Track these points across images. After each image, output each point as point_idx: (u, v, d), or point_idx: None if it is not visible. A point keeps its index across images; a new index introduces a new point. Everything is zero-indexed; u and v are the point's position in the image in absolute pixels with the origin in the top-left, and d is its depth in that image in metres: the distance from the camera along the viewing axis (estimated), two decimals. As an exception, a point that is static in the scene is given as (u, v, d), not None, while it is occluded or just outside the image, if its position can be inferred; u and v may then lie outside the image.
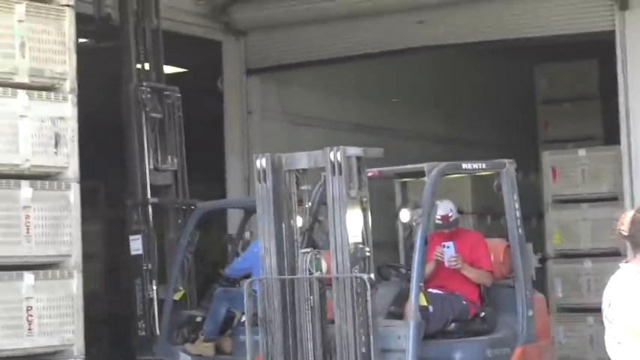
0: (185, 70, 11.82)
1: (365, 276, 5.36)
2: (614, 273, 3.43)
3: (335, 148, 5.72)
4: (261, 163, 5.88)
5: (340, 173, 5.55)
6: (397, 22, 10.13)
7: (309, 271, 5.64)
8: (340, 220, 5.53)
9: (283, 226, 5.83)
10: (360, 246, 5.52)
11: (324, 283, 5.73)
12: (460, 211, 7.17)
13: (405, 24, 10.16)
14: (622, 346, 3.38)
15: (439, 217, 6.23)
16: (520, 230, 6.36)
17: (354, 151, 5.65)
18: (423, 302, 5.67)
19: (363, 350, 5.41)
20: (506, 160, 6.41)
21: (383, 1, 10.04)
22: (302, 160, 5.93)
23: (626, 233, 3.50)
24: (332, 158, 5.63)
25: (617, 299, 3.36)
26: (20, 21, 5.89)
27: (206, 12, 10.64)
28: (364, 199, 5.62)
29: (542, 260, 9.78)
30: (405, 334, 5.63)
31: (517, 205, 6.38)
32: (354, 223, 5.54)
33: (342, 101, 12.18)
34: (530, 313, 6.26)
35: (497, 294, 6.43)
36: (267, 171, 5.85)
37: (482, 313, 6.29)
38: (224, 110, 11.19)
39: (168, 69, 9.62)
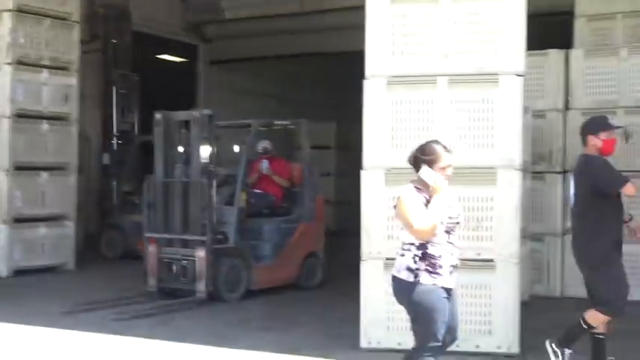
0: (178, 58, 19.38)
1: (205, 181, 9.83)
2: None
3: (197, 110, 10.24)
4: (157, 117, 10.30)
5: (197, 124, 10.02)
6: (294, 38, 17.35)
7: (180, 178, 10.13)
8: (197, 149, 9.96)
9: (168, 152, 10.30)
10: (208, 164, 9.94)
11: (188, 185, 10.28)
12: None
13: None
14: (403, 230, 5.17)
15: (261, 149, 10.86)
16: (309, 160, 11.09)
17: (206, 111, 10.10)
18: (243, 197, 10.24)
19: (206, 222, 9.95)
20: (302, 119, 11.10)
21: (279, 24, 17.16)
22: (181, 115, 10.39)
23: (410, 163, 5.22)
24: (195, 115, 10.10)
25: (397, 203, 5.12)
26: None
27: (189, 28, 18.96)
28: (212, 138, 10.06)
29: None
30: (232, 213, 10.21)
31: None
32: (204, 152, 9.97)
33: (265, 82, 20.27)
34: (312, 205, 10.93)
35: (295, 194, 11.08)
36: (161, 121, 10.27)
37: (285, 204, 10.95)
38: (197, 85, 19.46)
39: (169, 57, 19.05)
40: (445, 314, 5.15)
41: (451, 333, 5.31)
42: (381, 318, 7.31)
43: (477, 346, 7.09)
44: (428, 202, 5.10)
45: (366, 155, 7.25)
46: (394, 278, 5.25)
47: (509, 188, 6.93)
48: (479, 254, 7.01)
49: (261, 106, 18.26)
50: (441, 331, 5.16)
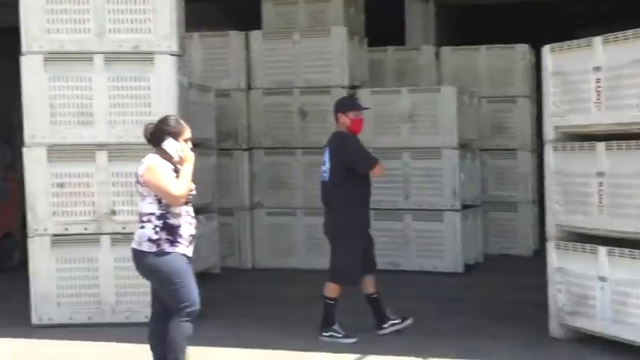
0: None
1: None
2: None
3: None
4: None
5: None
6: None
7: None
8: None
9: None
10: None
11: None
12: None
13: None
14: (145, 198, 5.27)
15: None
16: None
17: None
18: None
19: None
20: None
21: None
22: None
23: (149, 137, 5.39)
24: None
25: (147, 172, 5.22)
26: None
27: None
28: None
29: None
30: None
31: None
32: None
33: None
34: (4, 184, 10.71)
35: None
36: None
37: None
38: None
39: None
40: (191, 278, 5.29)
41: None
42: (51, 294, 7.38)
43: (146, 317, 7.24)
44: (175, 171, 5.30)
45: (27, 132, 7.26)
46: (134, 251, 5.34)
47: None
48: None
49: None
50: (192, 294, 5.29)
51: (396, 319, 6.92)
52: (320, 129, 10.29)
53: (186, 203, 5.33)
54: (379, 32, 12.27)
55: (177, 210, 5.28)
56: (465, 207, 10.21)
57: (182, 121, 5.48)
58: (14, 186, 10.75)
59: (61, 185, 7.21)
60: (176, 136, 5.36)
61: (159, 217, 5.27)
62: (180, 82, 7.48)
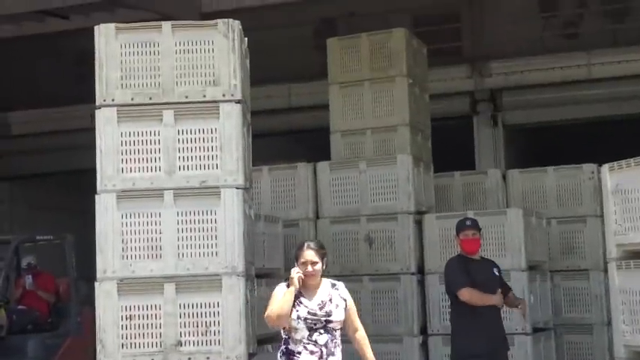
0: None
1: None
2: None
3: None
4: None
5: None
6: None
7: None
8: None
9: None
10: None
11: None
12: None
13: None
14: None
15: (25, 265, 10.95)
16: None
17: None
18: (2, 314, 10.24)
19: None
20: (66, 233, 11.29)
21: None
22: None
23: None
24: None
25: None
26: None
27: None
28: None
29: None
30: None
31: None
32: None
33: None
34: (79, 319, 11.04)
35: (62, 309, 11.16)
36: None
37: (50, 319, 11.00)
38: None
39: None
40: None
41: None
42: None
43: None
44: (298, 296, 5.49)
45: (99, 267, 7.53)
46: None
47: (233, 294, 7.36)
48: (208, 358, 7.36)
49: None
50: None
51: None
52: (387, 255, 10.42)
53: (311, 329, 5.41)
54: (449, 158, 12.48)
55: (298, 336, 5.41)
56: (536, 330, 10.05)
57: (306, 245, 5.67)
58: (88, 321, 11.12)
59: (130, 317, 7.40)
60: (296, 259, 5.63)
61: (284, 342, 5.53)
62: (247, 214, 7.71)
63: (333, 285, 5.65)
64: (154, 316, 7.40)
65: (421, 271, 10.51)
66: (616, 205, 6.77)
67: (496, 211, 10.67)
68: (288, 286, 5.54)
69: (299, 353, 5.36)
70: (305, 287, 5.53)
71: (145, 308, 7.42)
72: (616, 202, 6.77)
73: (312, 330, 5.38)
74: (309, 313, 5.44)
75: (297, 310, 5.45)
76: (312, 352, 5.37)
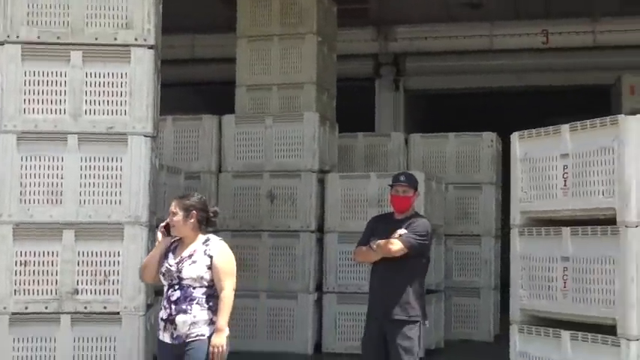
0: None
1: None
2: None
3: None
4: None
5: None
6: None
7: None
8: None
9: None
10: None
11: None
12: None
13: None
14: None
15: None
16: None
17: None
18: None
19: None
20: None
21: None
22: None
23: None
24: None
25: None
26: None
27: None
28: None
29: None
30: None
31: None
32: None
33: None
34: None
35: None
36: None
37: None
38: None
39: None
40: None
41: None
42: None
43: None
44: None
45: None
46: None
47: (135, 244, 7.20)
48: (105, 307, 7.23)
49: None
50: None
51: None
52: (287, 212, 10.43)
53: (169, 285, 5.23)
54: (350, 119, 12.51)
55: (164, 292, 5.26)
56: (428, 292, 10.24)
57: (174, 197, 5.54)
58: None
59: (25, 263, 7.16)
60: None
61: None
62: (153, 164, 7.54)
63: (206, 240, 5.35)
64: (50, 263, 7.20)
65: (321, 229, 10.56)
66: (523, 173, 6.90)
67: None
68: None
69: (160, 309, 5.22)
70: (181, 242, 5.35)
71: (42, 255, 7.20)
72: (523, 170, 6.90)
73: (170, 286, 5.20)
74: (166, 268, 5.26)
75: (162, 265, 5.29)
76: (164, 308, 5.20)
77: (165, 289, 5.23)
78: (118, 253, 7.15)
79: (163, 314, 5.20)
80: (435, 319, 10.58)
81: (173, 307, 5.15)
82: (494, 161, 11.69)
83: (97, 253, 7.22)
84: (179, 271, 5.18)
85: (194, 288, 5.18)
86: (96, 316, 7.19)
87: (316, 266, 10.51)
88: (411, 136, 12.27)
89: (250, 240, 10.63)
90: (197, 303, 5.18)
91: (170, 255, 5.25)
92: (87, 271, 7.24)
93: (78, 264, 7.24)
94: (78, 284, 7.24)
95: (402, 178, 6.82)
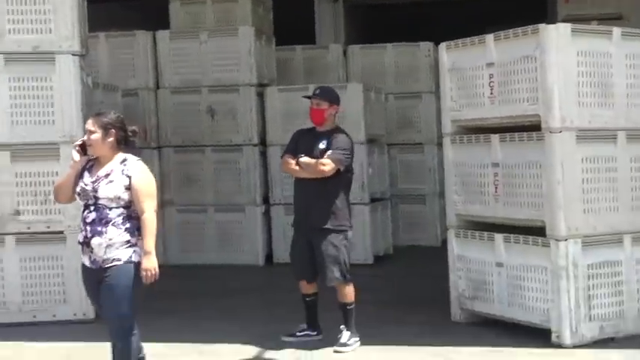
0: None
1: None
2: None
3: None
4: None
5: None
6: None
7: None
8: None
9: None
10: None
11: None
12: None
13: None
14: None
15: None
16: None
17: None
18: None
19: None
20: None
21: None
22: None
23: None
24: None
25: None
26: None
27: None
28: None
29: None
30: None
31: None
32: None
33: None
34: None
35: None
36: None
37: None
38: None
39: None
40: (86, 291, 5.15)
41: None
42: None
43: (54, 315, 7.33)
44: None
45: None
46: None
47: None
48: (49, 227, 7.27)
49: None
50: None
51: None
52: (229, 127, 10.42)
53: (85, 206, 5.02)
54: (288, 31, 12.41)
55: (81, 213, 5.07)
56: (373, 200, 10.43)
57: (91, 115, 5.29)
58: None
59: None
60: None
61: None
62: (84, 82, 7.47)
63: (124, 160, 5.08)
64: (-7, 185, 7.16)
65: (264, 142, 10.60)
66: (452, 82, 7.00)
67: (336, 86, 10.64)
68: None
69: (80, 231, 5.02)
70: (97, 161, 5.09)
71: (-19, 177, 7.16)
72: (452, 79, 7.00)
73: (86, 207, 4.98)
74: (82, 188, 5.03)
75: (78, 186, 5.06)
76: (81, 231, 4.99)
77: (82, 210, 5.06)
78: (57, 173, 7.08)
79: (80, 237, 5.03)
80: (382, 226, 10.78)
81: (89, 229, 4.95)
82: (432, 71, 11.73)
83: (35, 173, 7.23)
84: (95, 190, 4.97)
85: (110, 209, 4.95)
86: (40, 236, 7.26)
87: (262, 179, 10.59)
88: (350, 48, 12.23)
89: (194, 155, 10.64)
90: (113, 225, 4.95)
91: (86, 174, 5.08)
92: (27, 192, 7.26)
93: (17, 185, 7.26)
94: (19, 205, 7.27)
95: (317, 91, 6.85)
